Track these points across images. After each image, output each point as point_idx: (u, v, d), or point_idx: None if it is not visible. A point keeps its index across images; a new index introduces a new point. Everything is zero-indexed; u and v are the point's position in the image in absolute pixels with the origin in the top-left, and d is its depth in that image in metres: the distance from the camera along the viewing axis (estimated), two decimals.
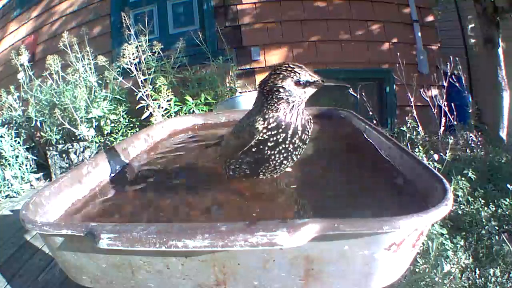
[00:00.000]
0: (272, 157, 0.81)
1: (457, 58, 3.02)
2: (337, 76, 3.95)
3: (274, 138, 0.79)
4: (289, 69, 0.78)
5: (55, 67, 3.12)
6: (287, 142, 0.79)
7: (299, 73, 0.78)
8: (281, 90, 0.78)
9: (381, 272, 0.63)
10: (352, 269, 0.62)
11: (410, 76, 3.23)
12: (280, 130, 0.79)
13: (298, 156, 0.85)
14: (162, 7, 4.19)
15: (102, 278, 0.69)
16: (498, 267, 1.51)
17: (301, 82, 0.78)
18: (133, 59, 2.93)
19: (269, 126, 0.79)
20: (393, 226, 0.57)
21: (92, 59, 3.20)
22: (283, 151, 0.80)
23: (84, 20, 4.28)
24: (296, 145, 0.81)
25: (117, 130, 3.18)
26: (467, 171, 1.98)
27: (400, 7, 4.13)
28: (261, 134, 0.79)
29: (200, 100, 3.15)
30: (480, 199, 1.88)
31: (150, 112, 2.98)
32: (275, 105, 0.79)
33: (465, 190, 1.92)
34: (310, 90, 0.81)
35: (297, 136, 0.80)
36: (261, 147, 0.80)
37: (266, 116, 0.80)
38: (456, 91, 3.20)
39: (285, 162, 0.83)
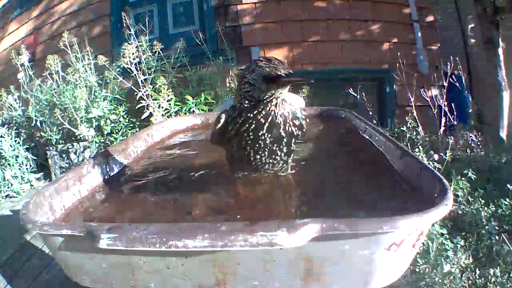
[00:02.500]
0: (243, 151, 0.81)
1: (457, 58, 3.02)
2: (337, 76, 3.97)
3: (234, 132, 0.80)
4: (260, 63, 0.76)
5: (55, 67, 3.12)
6: (251, 136, 0.79)
7: (266, 68, 0.75)
8: (246, 84, 0.77)
9: (381, 272, 0.63)
10: (352, 269, 0.62)
11: (410, 76, 3.23)
12: (241, 122, 0.79)
13: (284, 156, 0.84)
14: (162, 7, 4.19)
15: (102, 278, 0.69)
16: (498, 267, 1.51)
17: (267, 77, 0.75)
18: (133, 59, 2.93)
19: (230, 119, 0.81)
20: (393, 226, 0.57)
21: (92, 59, 3.20)
22: (253, 146, 0.80)
23: (84, 20, 4.28)
24: (267, 141, 0.80)
25: (117, 130, 3.17)
26: (467, 171, 1.98)
27: (400, 7, 4.13)
28: (223, 125, 0.83)
29: (200, 100, 3.15)
30: (480, 199, 1.88)
31: (150, 112, 2.98)
32: (242, 98, 0.79)
33: (465, 190, 1.92)
34: (279, 87, 0.76)
35: (262, 132, 0.79)
36: (229, 139, 0.83)
37: (233, 109, 0.82)
38: (456, 91, 3.20)
39: (263, 159, 0.82)
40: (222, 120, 0.83)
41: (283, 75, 0.74)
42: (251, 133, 0.79)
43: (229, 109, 0.83)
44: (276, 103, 0.78)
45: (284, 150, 0.83)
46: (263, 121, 0.78)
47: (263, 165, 0.84)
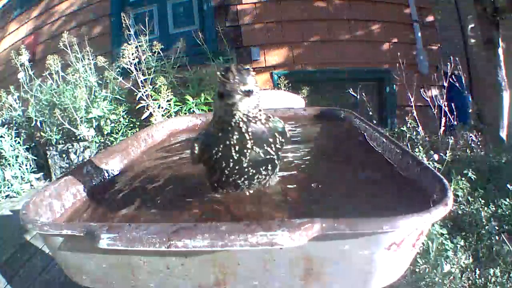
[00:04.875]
0: (220, 176, 0.75)
1: (457, 58, 3.02)
2: (337, 76, 3.97)
3: (207, 159, 0.76)
4: (221, 78, 0.68)
5: (55, 67, 3.12)
6: (223, 164, 0.73)
7: (221, 83, 0.67)
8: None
9: (381, 272, 0.63)
10: (352, 269, 0.62)
11: (410, 76, 3.23)
12: (212, 149, 0.73)
13: (266, 172, 0.76)
14: (162, 7, 4.19)
15: (102, 278, 0.69)
16: (498, 267, 1.51)
17: (220, 93, 0.68)
18: (133, 59, 2.93)
19: (203, 146, 0.76)
20: (393, 226, 0.57)
21: (92, 59, 3.20)
22: (230, 172, 0.73)
23: (84, 20, 4.28)
24: (244, 165, 0.72)
25: (117, 130, 3.17)
26: (467, 171, 1.98)
27: (400, 7, 4.13)
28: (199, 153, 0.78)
29: (200, 100, 3.15)
30: (480, 199, 1.88)
31: (150, 112, 2.98)
32: (212, 120, 0.75)
33: (465, 190, 1.92)
34: (228, 104, 0.67)
35: (234, 157, 0.71)
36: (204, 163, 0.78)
37: (205, 133, 0.78)
38: (456, 91, 3.20)
39: (241, 182, 0.75)
40: (196, 150, 0.77)
41: (227, 91, 0.66)
42: (223, 161, 0.72)
43: (202, 134, 0.78)
44: (241, 121, 0.69)
45: (266, 168, 0.75)
46: (232, 146, 0.70)
47: (244, 186, 0.78)
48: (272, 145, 0.74)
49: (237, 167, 0.73)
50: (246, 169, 0.73)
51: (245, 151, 0.71)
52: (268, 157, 0.74)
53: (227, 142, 0.71)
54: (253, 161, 0.73)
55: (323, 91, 3.81)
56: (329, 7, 4.07)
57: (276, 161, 0.76)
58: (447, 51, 4.00)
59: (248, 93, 0.67)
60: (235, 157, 0.72)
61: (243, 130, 0.70)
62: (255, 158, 0.73)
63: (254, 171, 0.74)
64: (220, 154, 0.72)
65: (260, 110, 0.72)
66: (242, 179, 0.75)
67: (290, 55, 3.98)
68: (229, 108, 0.68)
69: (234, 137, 0.70)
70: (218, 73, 0.68)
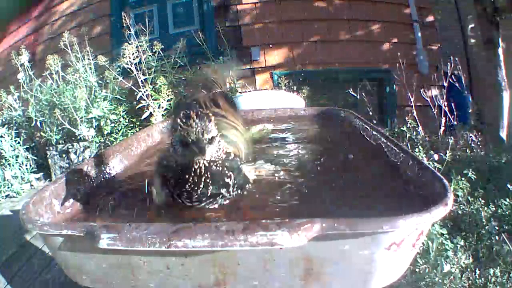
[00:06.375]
0: None
1: (457, 58, 3.02)
2: (337, 76, 3.97)
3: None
4: (179, 122, 0.66)
5: (55, 67, 3.12)
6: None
7: (181, 131, 0.66)
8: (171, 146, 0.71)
9: (381, 272, 0.63)
10: (352, 269, 0.62)
11: (410, 76, 3.23)
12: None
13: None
14: (162, 7, 4.20)
15: (102, 278, 0.69)
16: (498, 267, 1.51)
17: (182, 142, 0.67)
18: (133, 59, 2.93)
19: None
20: (393, 225, 0.57)
21: (92, 59, 3.20)
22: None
23: (84, 20, 4.28)
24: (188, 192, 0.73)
25: (117, 130, 3.17)
26: (467, 171, 1.98)
27: (400, 7, 4.14)
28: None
29: None
30: (480, 199, 1.88)
31: (150, 112, 2.98)
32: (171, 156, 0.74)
33: (465, 190, 1.91)
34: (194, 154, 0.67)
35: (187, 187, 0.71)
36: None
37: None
38: (456, 91, 3.20)
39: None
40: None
41: (193, 140, 0.65)
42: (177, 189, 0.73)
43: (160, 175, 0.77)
44: (203, 167, 0.69)
45: (212, 201, 0.75)
46: (188, 185, 0.70)
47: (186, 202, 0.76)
48: (223, 185, 0.73)
49: (185, 193, 0.73)
50: (194, 196, 0.73)
51: (197, 188, 0.71)
52: (217, 192, 0.73)
53: (184, 180, 0.71)
54: (202, 193, 0.72)
55: (323, 91, 3.81)
56: (329, 7, 4.07)
57: (226, 195, 0.75)
58: (447, 51, 4.00)
59: (211, 140, 0.67)
60: (188, 190, 0.72)
61: (202, 173, 0.69)
62: (205, 192, 0.72)
63: (200, 200, 0.74)
64: (174, 183, 0.73)
65: (219, 149, 0.71)
66: (187, 201, 0.75)
67: (290, 55, 3.98)
68: (191, 157, 0.67)
69: (191, 179, 0.70)
70: (178, 120, 0.66)
